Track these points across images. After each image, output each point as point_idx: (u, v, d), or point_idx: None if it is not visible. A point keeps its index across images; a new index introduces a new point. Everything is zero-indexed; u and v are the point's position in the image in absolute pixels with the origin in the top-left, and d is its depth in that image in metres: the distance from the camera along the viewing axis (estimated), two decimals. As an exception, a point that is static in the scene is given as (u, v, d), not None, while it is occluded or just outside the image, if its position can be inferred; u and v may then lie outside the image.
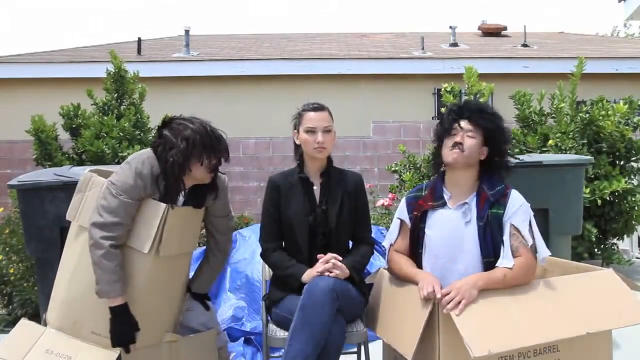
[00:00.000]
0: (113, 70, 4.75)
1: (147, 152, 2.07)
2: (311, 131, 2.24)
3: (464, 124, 2.05)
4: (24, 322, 2.20)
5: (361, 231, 2.33)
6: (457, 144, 2.03)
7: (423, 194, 2.16)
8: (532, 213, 2.04)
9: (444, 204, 2.08)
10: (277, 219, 2.28)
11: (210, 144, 2.03)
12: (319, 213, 2.24)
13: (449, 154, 2.05)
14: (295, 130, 2.31)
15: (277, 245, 2.30)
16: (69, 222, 2.24)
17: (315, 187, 2.29)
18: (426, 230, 2.10)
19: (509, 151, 2.21)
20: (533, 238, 1.99)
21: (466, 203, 2.05)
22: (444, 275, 1.98)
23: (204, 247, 2.42)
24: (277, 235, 2.30)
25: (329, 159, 2.33)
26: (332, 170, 2.33)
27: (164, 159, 2.01)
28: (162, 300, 2.13)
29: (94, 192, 2.08)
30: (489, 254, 1.99)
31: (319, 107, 2.29)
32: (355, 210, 2.30)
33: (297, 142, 2.31)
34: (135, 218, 2.01)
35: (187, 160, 2.00)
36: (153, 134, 4.77)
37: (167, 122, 2.08)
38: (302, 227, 2.23)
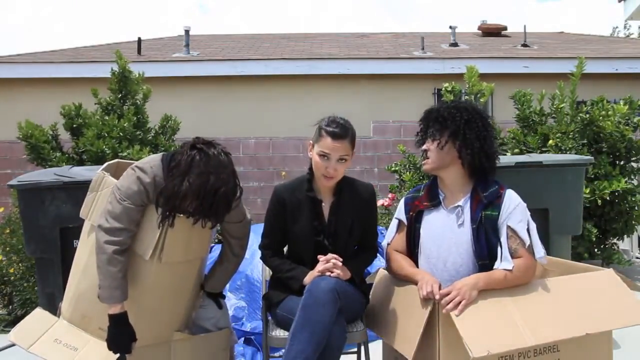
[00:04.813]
0: (117, 71, 4.73)
1: (155, 159, 2.03)
2: (324, 156, 2.10)
3: (430, 131, 2.08)
4: (38, 311, 2.25)
5: (368, 240, 2.29)
6: (424, 152, 2.09)
7: (420, 194, 2.16)
8: (528, 212, 2.03)
9: (438, 204, 2.09)
10: (281, 231, 2.24)
11: (200, 207, 1.88)
12: (327, 234, 2.18)
13: (423, 164, 2.12)
14: (310, 143, 2.17)
15: (277, 250, 2.29)
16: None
17: (324, 204, 2.21)
18: (421, 230, 2.11)
19: (497, 148, 2.15)
20: (530, 238, 1.98)
21: (459, 205, 2.05)
22: (436, 276, 1.97)
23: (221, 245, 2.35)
24: (278, 244, 2.29)
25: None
26: (344, 185, 2.20)
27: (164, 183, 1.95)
28: (169, 301, 2.13)
29: (106, 191, 2.08)
30: (483, 257, 1.98)
31: (341, 135, 2.06)
32: (365, 224, 2.24)
33: (310, 156, 2.17)
34: (140, 223, 2.00)
35: (171, 205, 1.91)
36: (153, 134, 4.77)
37: (198, 147, 1.94)
38: (309, 246, 2.18)
